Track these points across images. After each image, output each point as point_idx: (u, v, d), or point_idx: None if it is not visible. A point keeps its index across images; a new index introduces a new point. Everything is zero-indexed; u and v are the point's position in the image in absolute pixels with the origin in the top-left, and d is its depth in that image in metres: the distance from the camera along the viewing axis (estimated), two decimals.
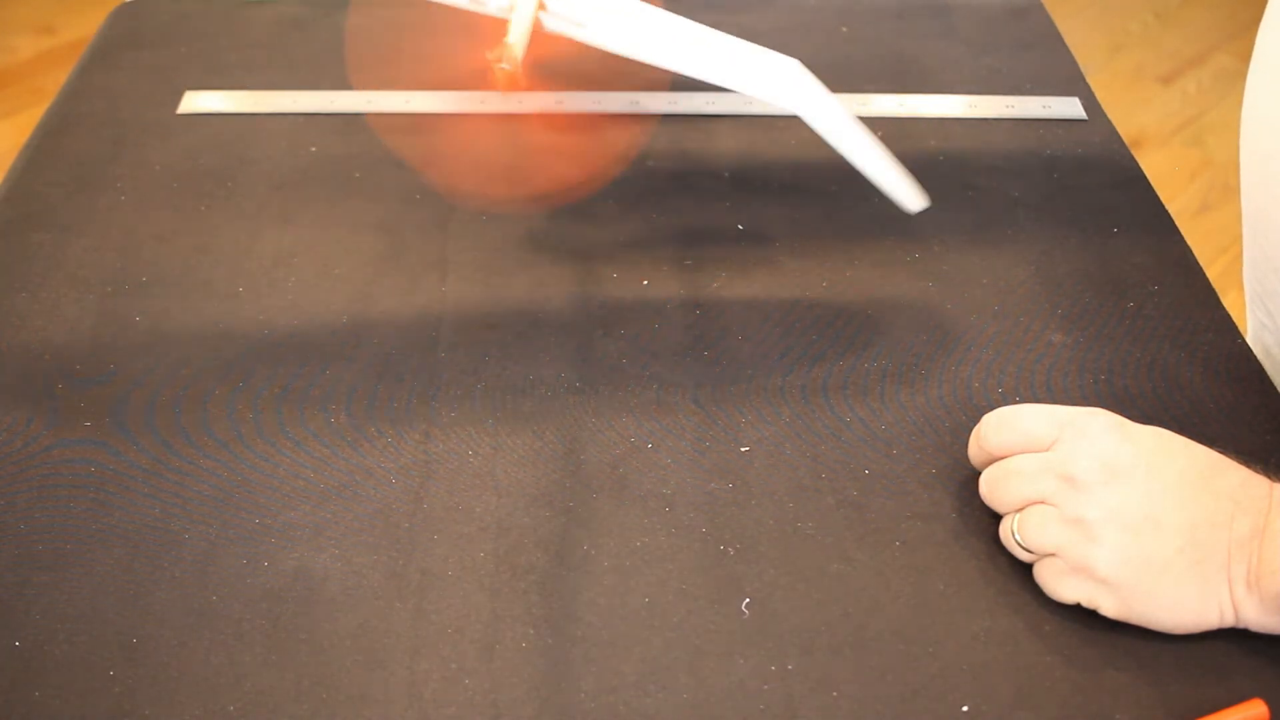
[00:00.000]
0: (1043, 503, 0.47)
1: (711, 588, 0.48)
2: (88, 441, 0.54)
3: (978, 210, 0.68)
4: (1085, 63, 0.81)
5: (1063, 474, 0.46)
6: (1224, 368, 0.58)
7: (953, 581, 0.48)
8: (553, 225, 0.67)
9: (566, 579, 0.49)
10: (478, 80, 0.75)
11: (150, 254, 0.65)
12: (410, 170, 0.70)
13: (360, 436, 0.54)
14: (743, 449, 0.54)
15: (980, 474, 0.50)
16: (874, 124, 0.75)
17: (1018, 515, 0.48)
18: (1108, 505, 0.45)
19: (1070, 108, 0.76)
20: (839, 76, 0.79)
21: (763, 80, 0.52)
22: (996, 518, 0.50)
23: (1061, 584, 0.46)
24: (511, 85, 0.59)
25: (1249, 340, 0.71)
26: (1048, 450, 0.48)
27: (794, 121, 0.75)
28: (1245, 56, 0.70)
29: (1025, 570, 0.48)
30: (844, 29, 0.84)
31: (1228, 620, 0.45)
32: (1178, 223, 0.67)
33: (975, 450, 0.51)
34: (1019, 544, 0.48)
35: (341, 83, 0.78)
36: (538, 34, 0.59)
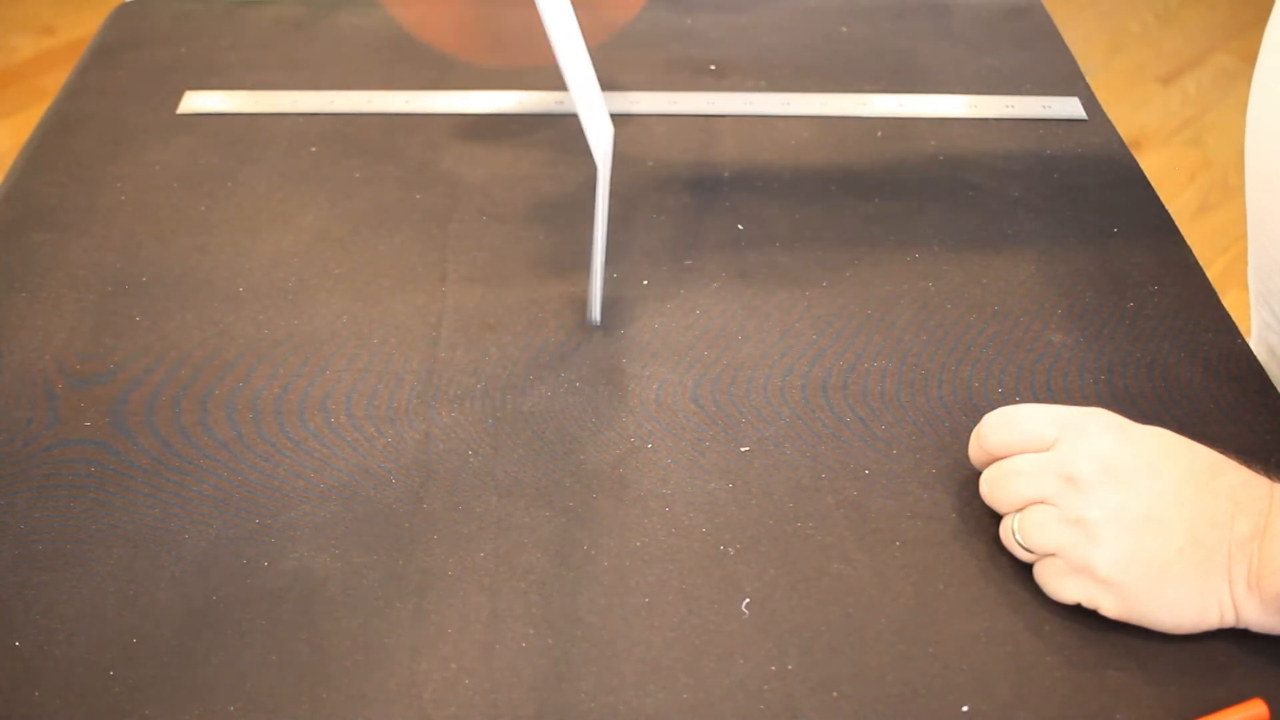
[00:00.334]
0: (1043, 503, 0.47)
1: (711, 588, 0.48)
2: (88, 441, 0.54)
3: (978, 210, 0.68)
4: (1085, 63, 0.81)
5: (1063, 474, 0.46)
6: (1224, 368, 0.58)
7: (953, 581, 0.48)
8: (553, 225, 0.67)
9: (566, 579, 0.49)
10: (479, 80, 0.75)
11: (150, 254, 0.65)
12: (410, 170, 0.70)
13: (360, 436, 0.54)
14: (743, 449, 0.54)
15: (980, 474, 0.50)
16: (874, 124, 0.75)
17: (1018, 515, 0.48)
18: (1108, 505, 0.45)
19: (1070, 108, 0.76)
20: (839, 76, 0.79)
21: (596, 129, 0.58)
22: (996, 518, 0.50)
23: (1062, 584, 0.46)
24: None
25: (1253, 341, 0.71)
26: (1048, 450, 0.48)
27: (794, 121, 0.75)
28: (1245, 56, 0.70)
29: (1025, 570, 0.48)
30: (844, 29, 0.84)
31: (1228, 620, 0.45)
32: (1178, 223, 0.67)
33: (976, 450, 0.51)
34: (1019, 544, 0.48)
35: (341, 83, 0.78)
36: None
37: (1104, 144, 0.73)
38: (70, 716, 0.44)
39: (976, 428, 0.50)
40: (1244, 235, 0.71)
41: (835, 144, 0.73)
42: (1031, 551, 0.47)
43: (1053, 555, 0.46)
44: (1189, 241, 0.66)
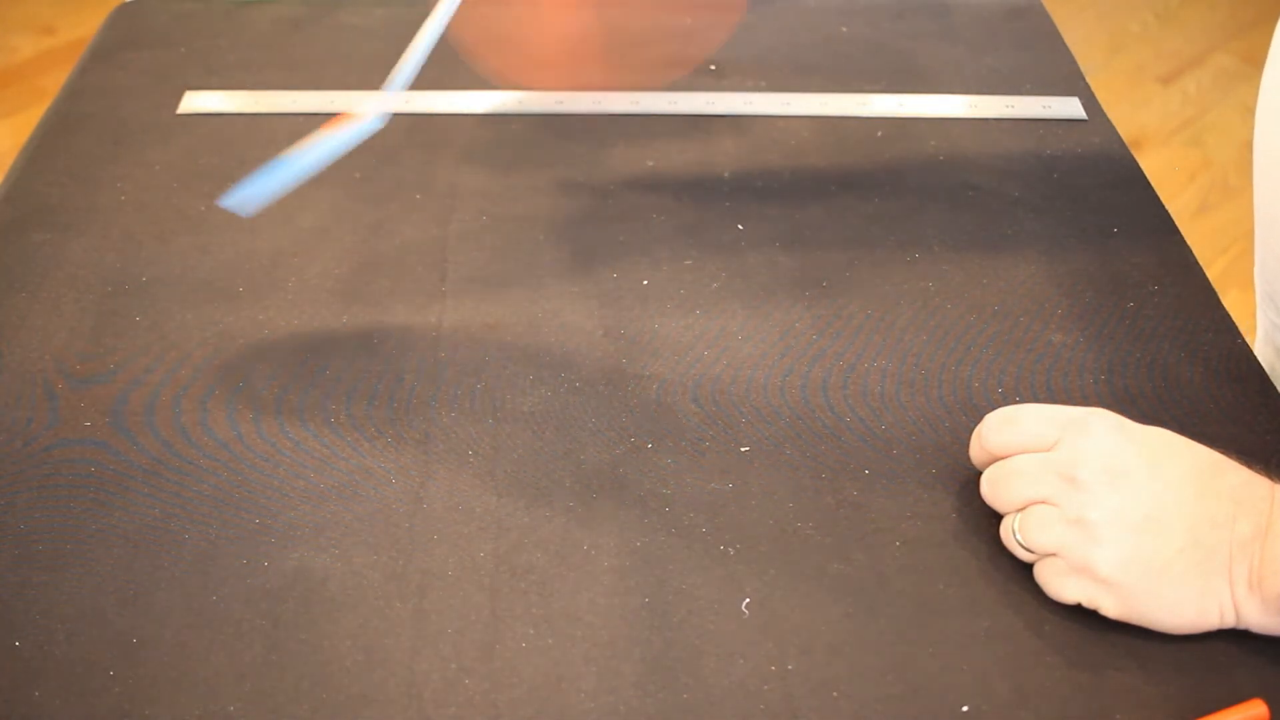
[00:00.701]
0: (1044, 503, 0.47)
1: (711, 588, 0.48)
2: (88, 441, 0.54)
3: (978, 210, 0.68)
4: (1085, 63, 0.81)
5: (1064, 474, 0.46)
6: (1224, 368, 0.58)
7: (953, 581, 0.48)
8: (553, 225, 0.67)
9: (566, 579, 0.49)
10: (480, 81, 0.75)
11: (150, 254, 0.65)
12: (410, 170, 0.70)
13: (360, 436, 0.54)
14: (743, 449, 0.54)
15: (981, 474, 0.50)
16: (874, 124, 0.75)
17: (1019, 515, 0.48)
18: (1109, 506, 0.45)
19: (1070, 108, 0.76)
20: (839, 76, 0.79)
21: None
22: (997, 518, 0.50)
23: (1062, 584, 0.46)
24: None
25: (1259, 342, 0.71)
26: (1049, 450, 0.48)
27: (794, 121, 0.75)
28: (1245, 56, 0.70)
29: (1025, 570, 0.48)
30: (844, 29, 0.84)
31: (1228, 621, 0.45)
32: (1178, 223, 0.67)
33: (976, 450, 0.51)
34: (1020, 544, 0.48)
35: (341, 83, 0.78)
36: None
37: (1104, 144, 0.73)
38: (70, 716, 0.44)
39: (977, 428, 0.50)
40: (1244, 235, 0.71)
41: (835, 144, 0.73)
42: (1032, 551, 0.47)
43: (1053, 555, 0.46)
44: (1189, 241, 0.66)
